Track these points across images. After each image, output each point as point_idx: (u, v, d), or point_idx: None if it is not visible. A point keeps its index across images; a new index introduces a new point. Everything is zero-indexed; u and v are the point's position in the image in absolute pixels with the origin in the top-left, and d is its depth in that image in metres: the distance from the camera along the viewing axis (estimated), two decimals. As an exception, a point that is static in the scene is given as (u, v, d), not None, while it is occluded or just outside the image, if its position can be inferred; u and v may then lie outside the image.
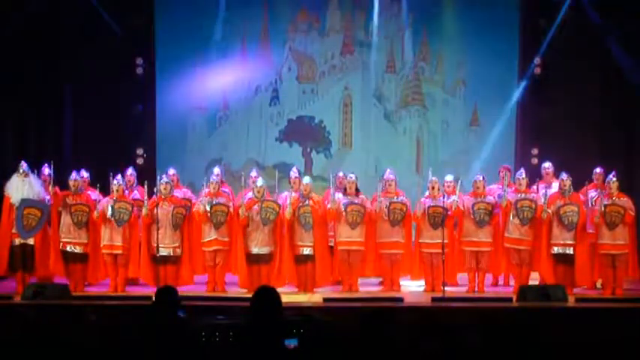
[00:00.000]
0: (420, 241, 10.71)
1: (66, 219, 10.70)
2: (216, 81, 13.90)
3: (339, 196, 10.75)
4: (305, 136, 13.81)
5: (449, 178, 10.87)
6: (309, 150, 13.75)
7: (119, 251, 10.62)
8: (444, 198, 10.48)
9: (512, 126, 13.39)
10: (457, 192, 10.61)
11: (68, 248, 10.68)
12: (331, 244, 10.81)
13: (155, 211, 10.40)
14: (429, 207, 10.59)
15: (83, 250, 10.73)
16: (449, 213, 10.52)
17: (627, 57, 12.27)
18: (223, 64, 13.88)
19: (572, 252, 10.44)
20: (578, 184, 10.72)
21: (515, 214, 10.49)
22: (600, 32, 12.62)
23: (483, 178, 10.72)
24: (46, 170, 10.96)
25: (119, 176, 10.79)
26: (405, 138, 13.87)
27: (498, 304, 9.44)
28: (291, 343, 5.15)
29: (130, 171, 11.27)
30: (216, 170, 11.24)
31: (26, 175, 10.63)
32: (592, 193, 10.75)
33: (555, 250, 10.47)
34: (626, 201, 10.46)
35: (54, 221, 10.77)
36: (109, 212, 10.59)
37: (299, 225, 10.63)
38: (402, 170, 11.17)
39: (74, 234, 10.68)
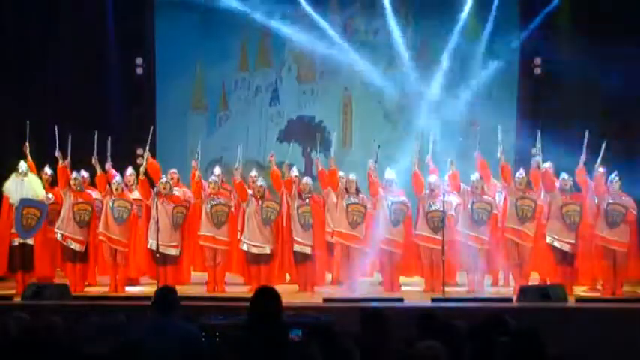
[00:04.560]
0: (417, 232, 10.69)
1: (66, 213, 10.69)
2: (216, 81, 13.95)
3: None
4: (305, 136, 13.81)
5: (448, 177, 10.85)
6: (309, 150, 13.75)
7: (118, 246, 10.65)
8: (443, 197, 10.47)
9: (513, 126, 13.38)
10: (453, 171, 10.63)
11: (67, 243, 10.68)
12: (330, 240, 10.80)
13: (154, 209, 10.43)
14: (427, 212, 10.58)
15: (83, 248, 10.73)
16: (449, 213, 10.54)
17: None
18: (223, 64, 13.92)
19: (571, 251, 10.44)
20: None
21: (515, 212, 10.48)
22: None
23: (481, 177, 10.71)
24: (47, 170, 11.00)
25: (118, 175, 10.81)
26: (405, 138, 13.85)
27: (498, 304, 9.44)
28: (295, 334, 5.17)
29: (129, 171, 11.27)
30: (217, 170, 11.25)
31: (25, 175, 10.66)
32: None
33: (552, 243, 10.44)
34: (627, 200, 10.47)
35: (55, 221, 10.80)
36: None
37: (298, 224, 10.63)
38: (402, 170, 11.15)
39: (73, 230, 10.66)
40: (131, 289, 10.80)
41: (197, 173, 10.80)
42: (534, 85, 13.41)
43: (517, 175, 10.71)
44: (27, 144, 10.86)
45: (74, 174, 10.79)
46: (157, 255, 10.33)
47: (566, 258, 10.46)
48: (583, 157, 10.51)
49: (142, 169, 10.76)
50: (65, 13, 13.20)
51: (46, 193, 10.86)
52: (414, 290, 10.72)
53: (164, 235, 10.43)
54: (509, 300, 9.59)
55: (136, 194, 11.01)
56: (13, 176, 10.68)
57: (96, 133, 10.88)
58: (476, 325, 5.39)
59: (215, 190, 10.79)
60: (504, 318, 5.39)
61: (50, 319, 5.60)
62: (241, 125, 13.97)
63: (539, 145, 10.58)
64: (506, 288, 10.93)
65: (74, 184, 10.75)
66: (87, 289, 10.79)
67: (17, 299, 9.81)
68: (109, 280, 10.78)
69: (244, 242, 10.66)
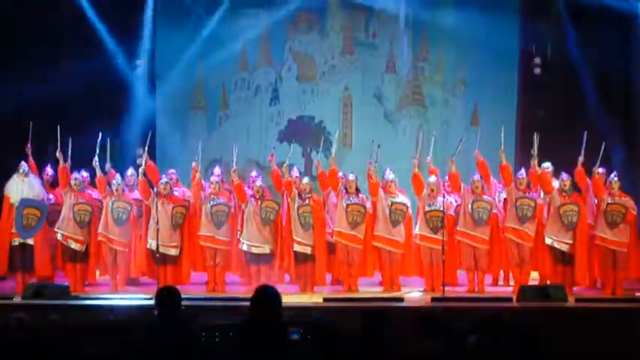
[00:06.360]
0: (417, 232, 10.68)
1: (66, 213, 10.70)
2: (216, 81, 13.96)
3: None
4: (305, 136, 13.81)
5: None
6: (309, 150, 13.75)
7: (117, 247, 10.65)
8: (443, 198, 10.46)
9: (513, 126, 13.38)
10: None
11: (67, 243, 10.68)
12: (331, 240, 10.80)
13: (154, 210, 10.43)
14: (425, 212, 10.58)
15: (83, 248, 10.73)
16: (449, 214, 10.53)
17: None
18: (223, 64, 13.91)
19: (569, 251, 10.43)
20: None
21: (515, 212, 10.48)
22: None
23: (481, 177, 10.70)
24: (49, 170, 11.02)
25: (118, 176, 10.82)
26: (405, 138, 13.86)
27: (498, 304, 9.44)
28: (295, 334, 5.18)
29: (130, 171, 11.27)
30: (217, 170, 11.24)
31: (26, 175, 10.68)
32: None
33: (552, 244, 10.43)
34: (627, 200, 10.46)
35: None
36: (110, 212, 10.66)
37: (299, 224, 10.62)
38: (402, 170, 11.16)
39: (73, 230, 10.67)
40: (131, 290, 10.80)
41: (197, 175, 10.78)
42: (535, 85, 13.40)
43: (517, 174, 10.69)
44: (29, 145, 10.87)
45: (75, 174, 10.79)
46: (157, 255, 10.32)
47: (564, 258, 10.45)
48: (581, 158, 10.51)
49: (140, 169, 10.77)
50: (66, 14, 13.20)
51: (47, 193, 10.87)
52: (414, 290, 10.71)
53: (164, 235, 10.42)
54: (509, 300, 9.59)
55: (136, 194, 11.01)
56: (15, 176, 10.70)
57: (99, 135, 10.87)
58: (476, 326, 5.40)
59: (216, 190, 10.79)
60: (504, 318, 5.39)
61: (50, 319, 5.62)
62: (241, 125, 13.96)
63: (536, 145, 10.56)
64: (506, 288, 10.94)
65: (75, 185, 10.75)
66: (87, 289, 10.79)
67: (17, 299, 9.81)
68: (109, 280, 10.78)
69: (244, 242, 10.65)
